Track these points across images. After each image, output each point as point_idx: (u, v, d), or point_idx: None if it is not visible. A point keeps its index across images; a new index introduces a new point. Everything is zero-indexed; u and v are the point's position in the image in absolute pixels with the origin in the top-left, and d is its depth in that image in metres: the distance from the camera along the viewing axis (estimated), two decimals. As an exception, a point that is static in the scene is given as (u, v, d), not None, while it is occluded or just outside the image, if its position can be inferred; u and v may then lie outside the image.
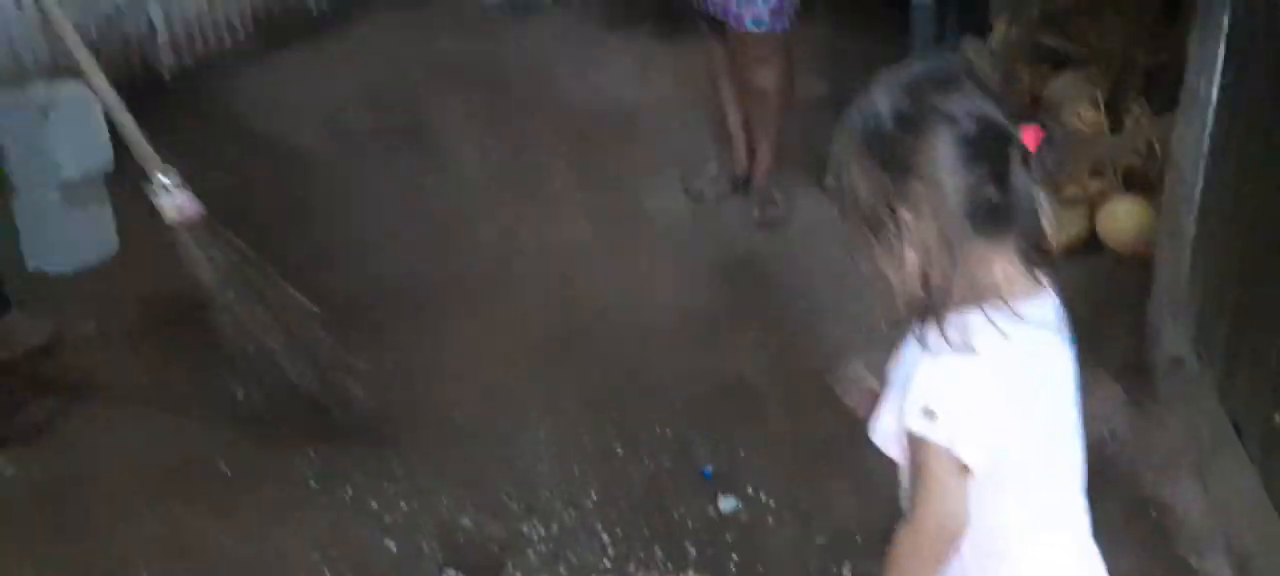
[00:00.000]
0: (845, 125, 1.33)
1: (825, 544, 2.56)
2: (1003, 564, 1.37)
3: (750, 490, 2.71)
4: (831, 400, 2.97)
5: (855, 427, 2.87)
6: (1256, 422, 2.48)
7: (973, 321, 1.27)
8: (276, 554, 2.58)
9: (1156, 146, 3.46)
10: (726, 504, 2.68)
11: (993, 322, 1.26)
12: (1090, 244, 3.49)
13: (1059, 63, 3.94)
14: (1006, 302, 1.27)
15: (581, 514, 2.67)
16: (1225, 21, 2.62)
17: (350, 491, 2.74)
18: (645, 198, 4.11)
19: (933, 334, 1.28)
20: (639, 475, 2.79)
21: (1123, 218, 3.45)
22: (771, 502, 2.68)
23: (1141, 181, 3.50)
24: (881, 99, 1.29)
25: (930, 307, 1.27)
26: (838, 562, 2.51)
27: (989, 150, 1.25)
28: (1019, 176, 1.25)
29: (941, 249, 1.25)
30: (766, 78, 3.77)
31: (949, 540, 1.31)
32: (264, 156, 4.32)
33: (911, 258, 1.27)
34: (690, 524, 2.63)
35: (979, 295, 1.28)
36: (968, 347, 1.26)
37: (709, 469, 2.79)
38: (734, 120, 4.04)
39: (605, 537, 2.60)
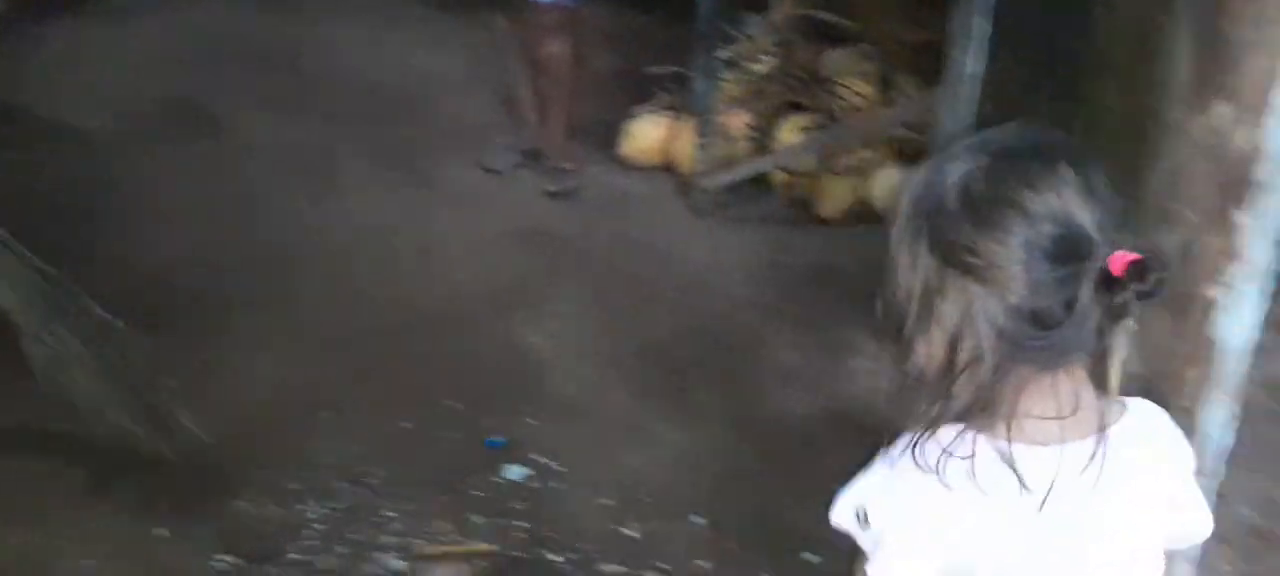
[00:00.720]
0: (909, 184, 1.11)
1: (612, 505, 2.59)
2: None
3: (537, 457, 2.72)
4: (617, 369, 3.04)
5: (640, 394, 2.94)
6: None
7: (959, 446, 1.06)
8: (42, 552, 2.41)
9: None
10: (513, 472, 2.67)
11: (971, 459, 1.06)
12: (864, 211, 3.81)
13: (835, 39, 4.09)
14: (1010, 443, 1.06)
15: (365, 492, 2.61)
16: (987, -1, 2.76)
17: (120, 483, 2.58)
18: (438, 171, 4.05)
19: (904, 442, 1.09)
20: (427, 450, 2.74)
21: (894, 186, 3.64)
22: (559, 468, 2.69)
23: (913, 152, 3.69)
24: (956, 167, 1.06)
25: (929, 417, 1.08)
26: (623, 521, 2.53)
27: (1062, 265, 1.01)
28: (1088, 302, 1.01)
29: (974, 360, 1.04)
30: (554, 49, 3.77)
31: None
32: (39, 140, 3.94)
33: (938, 356, 1.07)
34: (478, 494, 2.61)
35: (988, 421, 1.06)
36: (931, 470, 1.06)
37: (498, 439, 2.77)
38: (525, 92, 4.03)
39: (391, 514, 2.55)
